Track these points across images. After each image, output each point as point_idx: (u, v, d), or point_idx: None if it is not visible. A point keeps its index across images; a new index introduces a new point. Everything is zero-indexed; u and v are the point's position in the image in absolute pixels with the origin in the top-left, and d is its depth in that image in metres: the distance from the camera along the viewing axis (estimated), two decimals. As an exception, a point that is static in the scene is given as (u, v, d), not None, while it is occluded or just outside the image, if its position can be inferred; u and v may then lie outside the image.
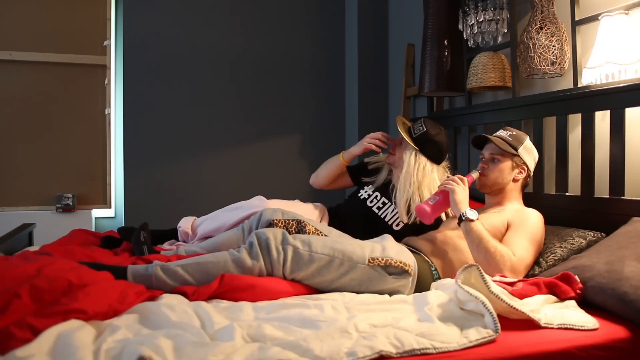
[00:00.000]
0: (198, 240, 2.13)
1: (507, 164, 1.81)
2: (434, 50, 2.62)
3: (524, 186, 1.88)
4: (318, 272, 1.50)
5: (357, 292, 1.53)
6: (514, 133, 1.85)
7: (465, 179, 1.75)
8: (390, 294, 1.53)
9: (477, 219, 1.61)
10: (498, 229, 1.69)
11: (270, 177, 3.52)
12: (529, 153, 1.84)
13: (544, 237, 1.70)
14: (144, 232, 1.84)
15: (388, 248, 1.60)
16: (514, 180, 1.82)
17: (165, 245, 2.12)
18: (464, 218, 1.61)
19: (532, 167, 1.86)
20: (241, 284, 1.40)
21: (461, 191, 1.68)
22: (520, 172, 1.82)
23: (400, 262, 1.55)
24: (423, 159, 2.03)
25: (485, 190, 1.86)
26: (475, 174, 1.81)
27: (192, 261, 1.49)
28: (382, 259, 1.53)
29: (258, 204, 2.13)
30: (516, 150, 1.80)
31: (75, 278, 1.20)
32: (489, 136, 1.85)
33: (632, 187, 1.80)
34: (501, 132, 1.87)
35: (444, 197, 1.70)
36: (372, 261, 1.53)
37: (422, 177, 2.01)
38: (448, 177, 1.81)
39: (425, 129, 2.04)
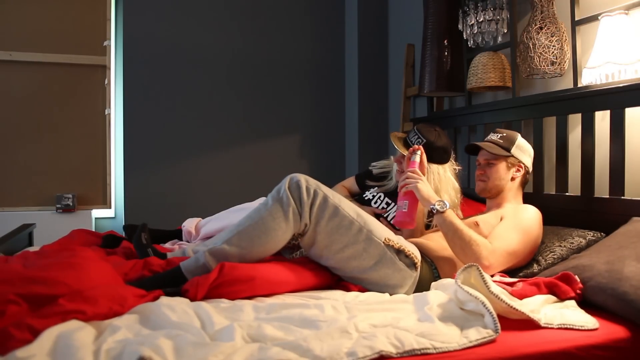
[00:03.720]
0: (200, 240, 2.13)
1: (502, 166, 1.82)
2: (434, 50, 2.62)
3: (524, 184, 1.89)
4: (337, 229, 1.52)
5: (364, 273, 1.53)
6: (505, 134, 1.86)
7: (415, 169, 1.72)
8: (394, 287, 1.54)
9: (448, 209, 1.61)
10: (491, 224, 1.71)
11: (270, 177, 3.49)
12: (522, 151, 1.85)
13: (539, 231, 1.70)
14: (145, 234, 1.82)
15: (401, 239, 1.62)
16: (512, 179, 1.83)
17: (168, 245, 2.12)
18: (434, 211, 1.61)
19: (528, 163, 1.87)
20: (241, 275, 1.40)
21: (423, 186, 1.67)
22: (518, 170, 1.84)
23: (412, 253, 1.57)
24: (433, 166, 1.98)
25: (486, 194, 1.87)
26: (417, 157, 1.76)
27: (233, 233, 1.52)
28: (397, 243, 1.56)
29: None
30: (509, 150, 1.82)
31: (74, 282, 1.19)
32: (479, 144, 1.87)
33: (632, 187, 1.80)
34: (492, 136, 1.89)
35: (411, 197, 1.68)
36: (387, 241, 1.55)
37: (438, 183, 1.98)
38: (405, 172, 1.73)
39: (424, 140, 1.99)
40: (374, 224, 1.58)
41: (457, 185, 2.05)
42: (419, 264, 1.58)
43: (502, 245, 1.58)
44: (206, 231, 2.13)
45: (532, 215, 1.70)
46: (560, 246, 1.70)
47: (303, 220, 1.52)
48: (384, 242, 1.54)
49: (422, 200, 1.66)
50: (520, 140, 1.86)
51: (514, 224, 1.65)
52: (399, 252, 1.55)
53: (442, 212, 1.60)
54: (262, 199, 2.21)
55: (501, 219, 1.72)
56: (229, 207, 2.23)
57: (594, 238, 1.71)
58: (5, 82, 3.11)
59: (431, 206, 1.62)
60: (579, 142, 1.96)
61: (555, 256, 1.67)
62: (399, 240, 1.58)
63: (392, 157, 2.31)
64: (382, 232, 1.57)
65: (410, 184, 1.68)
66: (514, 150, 1.82)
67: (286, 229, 1.52)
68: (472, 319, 1.22)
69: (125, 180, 3.28)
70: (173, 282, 1.44)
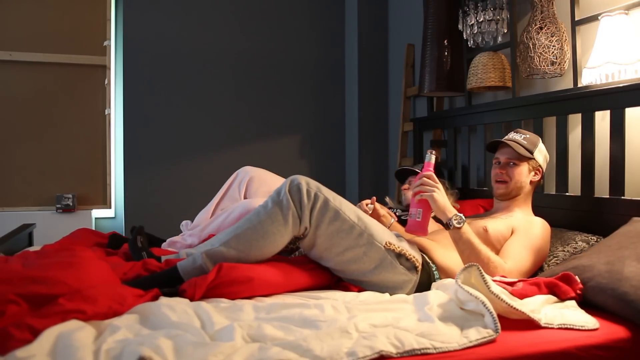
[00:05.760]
0: (198, 235, 2.12)
1: (524, 168, 1.78)
2: (434, 50, 2.63)
3: (536, 188, 1.86)
4: (337, 232, 1.50)
5: (364, 276, 1.53)
6: (528, 136, 1.81)
7: (431, 174, 1.60)
8: (394, 288, 1.54)
9: (465, 224, 1.55)
10: (502, 234, 1.69)
11: (270, 177, 3.52)
12: (541, 154, 1.82)
13: (548, 247, 1.68)
14: (141, 237, 1.81)
15: (403, 241, 1.61)
16: (531, 183, 1.80)
17: (167, 246, 2.12)
18: (451, 226, 1.56)
19: (544, 167, 1.84)
20: (239, 276, 1.39)
21: (440, 195, 1.58)
22: (536, 174, 1.80)
23: (413, 256, 1.56)
24: None
25: (505, 198, 1.80)
26: (432, 158, 1.63)
27: (231, 236, 1.51)
28: (398, 247, 1.55)
29: (249, 202, 2.13)
30: (532, 153, 1.78)
31: (73, 281, 1.19)
32: (506, 140, 1.80)
33: (632, 187, 1.80)
34: (515, 136, 1.82)
35: (425, 205, 1.59)
36: (388, 245, 1.53)
37: None
38: (420, 175, 1.62)
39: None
40: (375, 228, 1.56)
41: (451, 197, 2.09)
42: (419, 267, 1.56)
43: (517, 266, 1.57)
44: (198, 221, 2.16)
45: (543, 232, 1.68)
46: (564, 250, 1.71)
47: (303, 224, 1.51)
48: (384, 246, 1.53)
49: (438, 212, 1.58)
50: (541, 144, 1.82)
51: (527, 242, 1.63)
52: (400, 255, 1.54)
53: (459, 228, 1.55)
54: (259, 198, 2.22)
55: (512, 232, 1.69)
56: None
57: (597, 242, 1.71)
58: (5, 82, 3.11)
59: (448, 219, 1.56)
60: (579, 142, 1.96)
61: (558, 261, 1.67)
62: (400, 244, 1.57)
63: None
64: (383, 235, 1.56)
65: (426, 191, 1.58)
66: (536, 154, 1.78)
67: (285, 233, 1.50)
68: (472, 318, 1.22)
69: (125, 180, 3.28)
70: (169, 282, 1.44)
